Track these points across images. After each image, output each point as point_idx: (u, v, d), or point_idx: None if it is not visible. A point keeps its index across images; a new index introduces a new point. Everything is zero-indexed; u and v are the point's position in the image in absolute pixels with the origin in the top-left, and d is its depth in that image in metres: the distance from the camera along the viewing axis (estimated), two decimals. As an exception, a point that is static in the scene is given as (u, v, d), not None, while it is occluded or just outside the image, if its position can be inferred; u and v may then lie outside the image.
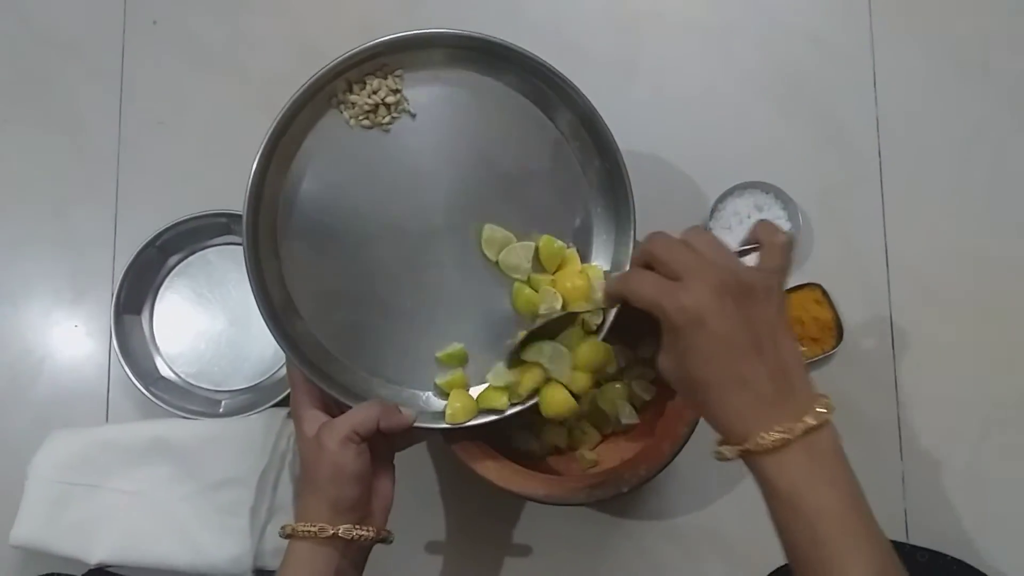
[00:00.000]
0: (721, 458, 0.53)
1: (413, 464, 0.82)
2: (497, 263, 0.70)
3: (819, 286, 0.83)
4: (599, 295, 0.67)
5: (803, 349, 0.82)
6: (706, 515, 0.82)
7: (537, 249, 0.70)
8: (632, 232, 0.70)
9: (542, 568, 0.82)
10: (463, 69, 0.70)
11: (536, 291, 0.69)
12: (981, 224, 0.85)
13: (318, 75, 0.66)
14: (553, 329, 0.67)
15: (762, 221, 0.58)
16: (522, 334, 0.66)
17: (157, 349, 0.85)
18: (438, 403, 0.70)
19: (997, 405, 0.82)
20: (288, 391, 0.77)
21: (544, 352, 0.67)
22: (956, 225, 0.85)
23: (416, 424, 0.66)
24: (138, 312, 0.85)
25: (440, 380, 0.70)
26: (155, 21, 0.92)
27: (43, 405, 0.86)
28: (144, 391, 0.81)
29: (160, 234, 0.83)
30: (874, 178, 0.86)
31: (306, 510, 0.62)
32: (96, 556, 0.77)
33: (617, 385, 0.77)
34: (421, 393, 0.70)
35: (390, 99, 0.69)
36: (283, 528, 0.62)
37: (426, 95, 0.70)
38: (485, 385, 0.69)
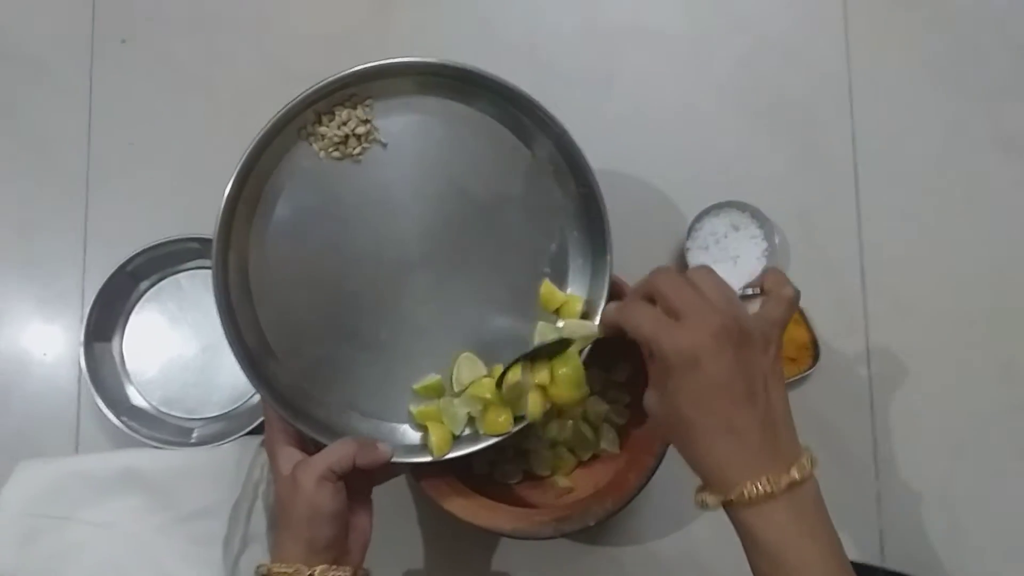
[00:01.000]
0: (702, 506, 0.53)
1: (389, 494, 0.81)
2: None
3: (795, 306, 0.83)
4: (592, 326, 0.67)
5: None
6: (682, 536, 0.82)
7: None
8: (608, 257, 0.69)
9: (520, 593, 0.82)
10: (434, 96, 0.69)
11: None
12: (958, 242, 0.85)
13: (285, 109, 0.65)
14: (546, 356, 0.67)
15: (773, 270, 0.59)
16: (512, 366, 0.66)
17: (128, 377, 0.84)
18: (415, 435, 0.70)
19: (973, 424, 0.82)
20: (261, 419, 0.76)
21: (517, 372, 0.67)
22: (933, 243, 0.85)
23: (394, 459, 0.66)
24: (108, 339, 0.84)
25: (415, 409, 0.69)
26: (124, 40, 0.90)
27: (11, 435, 0.84)
28: (115, 420, 0.80)
29: (131, 259, 0.82)
30: (850, 196, 0.86)
31: (282, 550, 0.61)
32: (68, 589, 0.76)
33: (599, 409, 0.76)
34: (399, 426, 0.70)
35: (360, 130, 0.68)
36: (259, 568, 0.61)
37: (398, 124, 0.69)
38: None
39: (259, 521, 0.78)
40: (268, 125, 0.65)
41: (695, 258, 0.83)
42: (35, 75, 0.90)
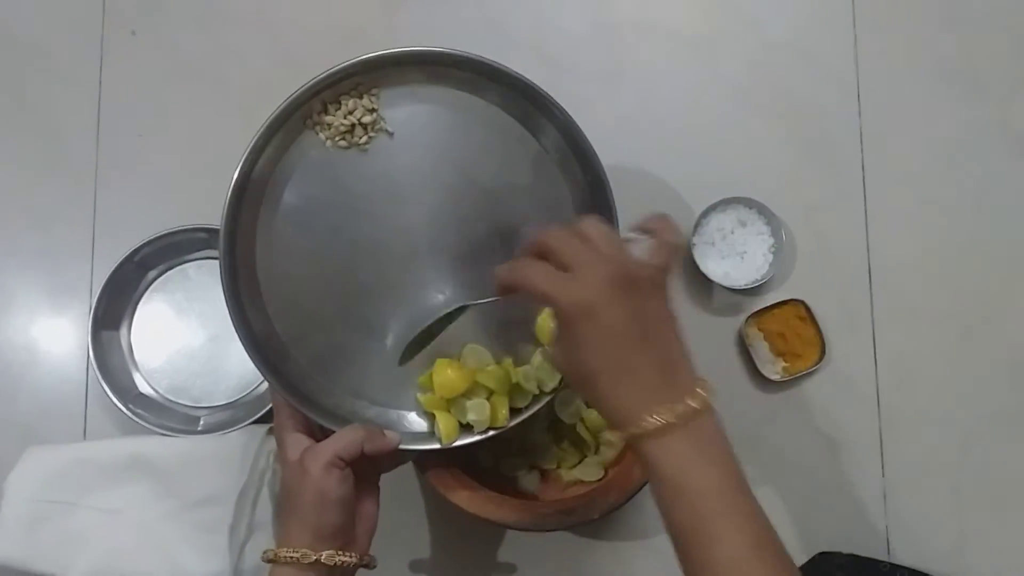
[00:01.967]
0: (608, 446, 0.54)
1: (396, 483, 0.81)
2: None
3: (802, 302, 0.83)
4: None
5: (786, 365, 0.82)
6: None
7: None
8: None
9: (525, 586, 0.82)
10: (441, 86, 0.69)
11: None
12: (964, 240, 0.85)
13: (291, 98, 0.65)
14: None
15: (661, 215, 0.59)
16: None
17: (136, 365, 0.84)
18: (423, 423, 0.70)
19: (979, 421, 0.82)
20: (268, 407, 0.76)
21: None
22: (939, 241, 0.85)
23: (402, 446, 0.66)
24: (116, 328, 0.84)
25: (423, 397, 0.69)
26: (134, 32, 0.91)
27: (19, 422, 0.85)
28: (122, 408, 0.80)
29: (139, 249, 0.82)
30: (858, 194, 0.86)
31: (288, 535, 0.61)
32: (74, 575, 0.76)
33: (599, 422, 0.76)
34: (406, 414, 0.70)
35: (366, 119, 0.68)
36: (265, 553, 0.61)
37: (404, 113, 0.69)
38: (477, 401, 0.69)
39: (265, 509, 0.78)
40: (274, 114, 0.65)
41: (701, 253, 0.83)
42: (45, 66, 0.91)
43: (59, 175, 0.89)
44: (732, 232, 0.84)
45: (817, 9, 0.89)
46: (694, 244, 0.83)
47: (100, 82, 0.90)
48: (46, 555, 0.77)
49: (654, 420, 0.51)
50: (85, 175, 0.88)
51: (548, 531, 0.68)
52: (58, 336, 0.86)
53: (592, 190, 0.70)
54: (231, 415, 0.82)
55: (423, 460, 0.69)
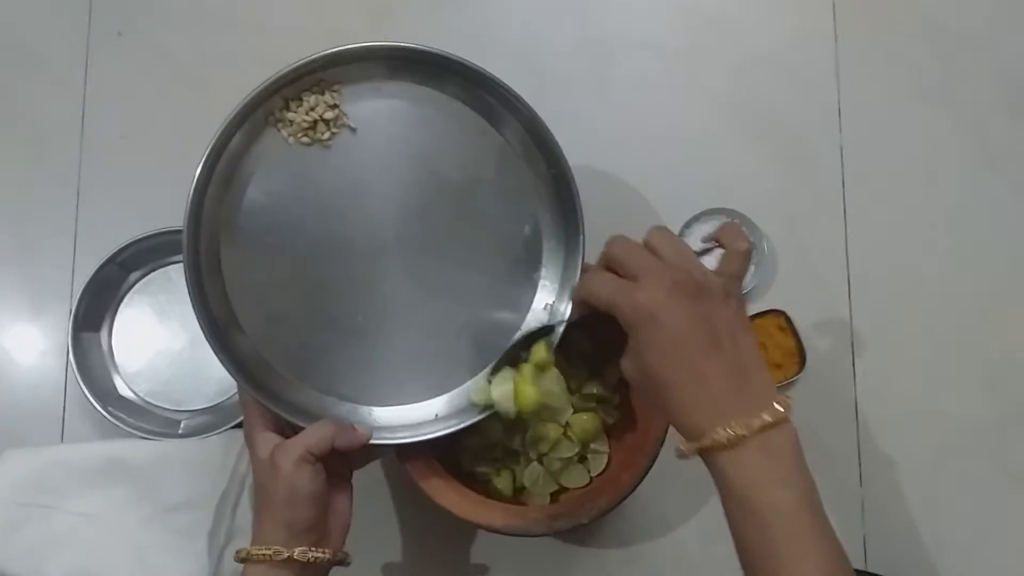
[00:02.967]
0: (680, 455, 0.54)
1: (369, 482, 0.81)
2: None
3: (783, 313, 0.84)
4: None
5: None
6: (668, 541, 0.82)
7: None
8: (581, 239, 0.70)
9: (503, 592, 0.82)
10: (403, 81, 0.69)
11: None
12: (943, 254, 0.87)
13: (251, 95, 0.66)
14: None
15: (728, 224, 0.59)
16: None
17: (116, 368, 0.84)
18: (390, 419, 0.69)
19: (956, 432, 0.84)
20: (249, 412, 0.76)
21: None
22: (919, 254, 0.87)
23: (372, 441, 0.66)
24: (97, 329, 0.84)
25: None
26: (120, 32, 0.90)
27: (-4, 423, 0.84)
28: (102, 410, 0.79)
29: (121, 250, 0.82)
30: (838, 206, 0.87)
31: (262, 533, 0.61)
32: (50, 580, 0.75)
33: (584, 416, 0.76)
34: (376, 409, 0.70)
35: (328, 115, 0.68)
36: (238, 552, 0.61)
37: (367, 109, 0.69)
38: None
39: (245, 514, 0.77)
40: (235, 111, 0.65)
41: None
42: (30, 66, 0.90)
43: (42, 175, 0.88)
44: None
45: (799, 25, 0.90)
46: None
47: (85, 82, 0.89)
48: (22, 558, 0.75)
49: (726, 432, 0.50)
50: (68, 176, 0.88)
51: (535, 536, 0.67)
52: (37, 337, 0.86)
53: (557, 183, 0.70)
54: (212, 419, 0.82)
55: (403, 454, 0.69)
